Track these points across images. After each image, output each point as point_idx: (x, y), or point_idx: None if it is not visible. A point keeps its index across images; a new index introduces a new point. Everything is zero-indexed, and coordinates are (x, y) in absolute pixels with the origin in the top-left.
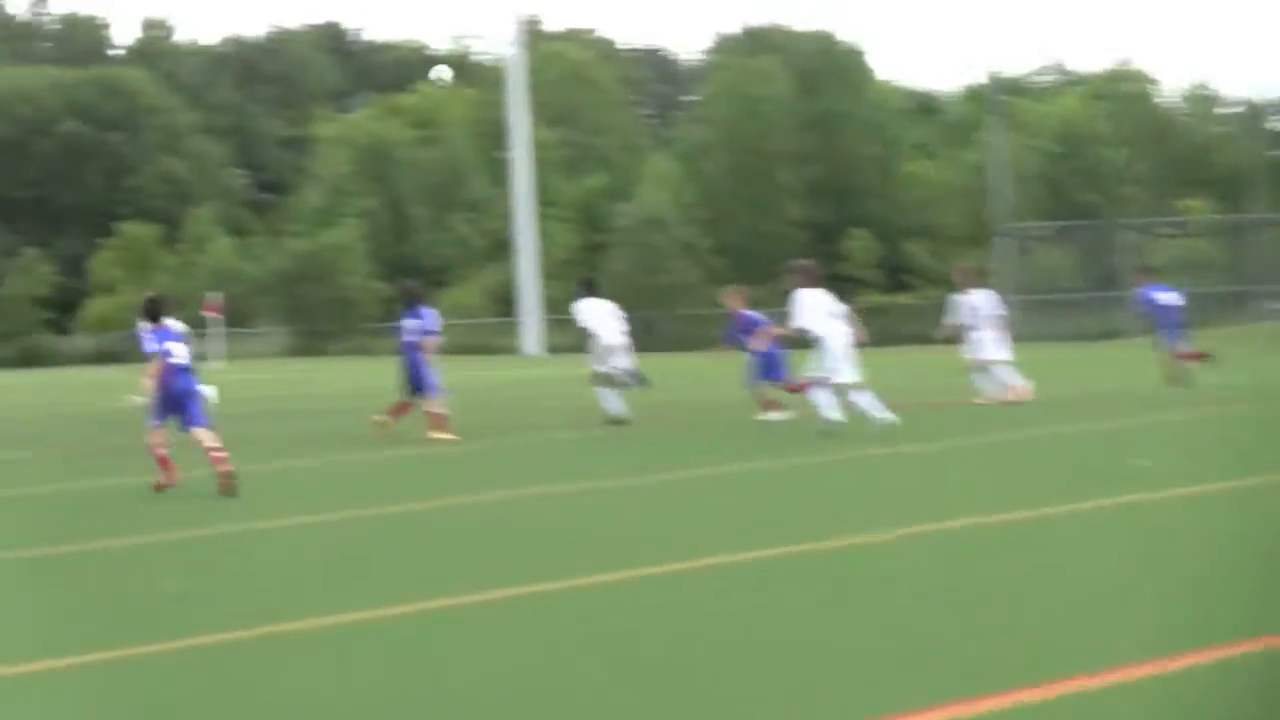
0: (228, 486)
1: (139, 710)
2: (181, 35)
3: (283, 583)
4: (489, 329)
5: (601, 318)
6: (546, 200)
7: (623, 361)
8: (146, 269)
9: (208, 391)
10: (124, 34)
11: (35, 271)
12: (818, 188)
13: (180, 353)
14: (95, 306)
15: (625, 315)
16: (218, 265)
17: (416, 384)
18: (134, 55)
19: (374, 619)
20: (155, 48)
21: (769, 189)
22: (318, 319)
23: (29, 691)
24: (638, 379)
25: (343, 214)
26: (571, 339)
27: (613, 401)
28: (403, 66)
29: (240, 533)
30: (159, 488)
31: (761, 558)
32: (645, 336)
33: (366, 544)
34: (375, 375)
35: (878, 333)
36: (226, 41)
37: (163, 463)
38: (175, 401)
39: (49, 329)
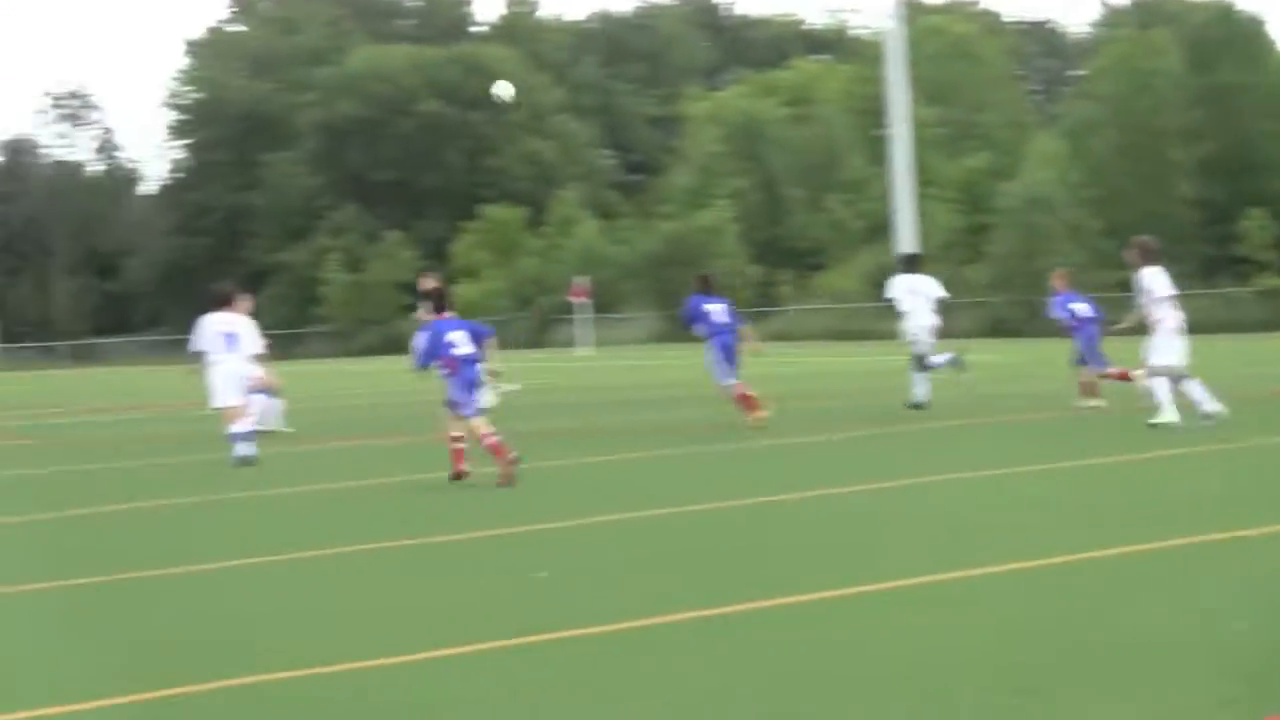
0: (507, 479)
1: (498, 699)
2: (546, 11)
3: (643, 575)
4: (867, 314)
5: (914, 296)
6: (926, 180)
7: (929, 341)
8: (510, 253)
9: (512, 388)
10: (487, 11)
11: (397, 255)
12: (1211, 165)
13: (462, 342)
14: (458, 292)
15: (942, 294)
16: (584, 248)
17: (728, 366)
18: (497, 32)
19: (756, 610)
20: (519, 24)
21: (1160, 167)
22: None
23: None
24: (957, 363)
25: (713, 195)
26: (948, 324)
27: (921, 386)
28: (777, 42)
29: (601, 524)
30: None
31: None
32: (1029, 321)
33: (727, 536)
34: (747, 362)
35: (1276, 316)
36: (593, 17)
37: (458, 457)
38: (459, 392)
39: (411, 314)
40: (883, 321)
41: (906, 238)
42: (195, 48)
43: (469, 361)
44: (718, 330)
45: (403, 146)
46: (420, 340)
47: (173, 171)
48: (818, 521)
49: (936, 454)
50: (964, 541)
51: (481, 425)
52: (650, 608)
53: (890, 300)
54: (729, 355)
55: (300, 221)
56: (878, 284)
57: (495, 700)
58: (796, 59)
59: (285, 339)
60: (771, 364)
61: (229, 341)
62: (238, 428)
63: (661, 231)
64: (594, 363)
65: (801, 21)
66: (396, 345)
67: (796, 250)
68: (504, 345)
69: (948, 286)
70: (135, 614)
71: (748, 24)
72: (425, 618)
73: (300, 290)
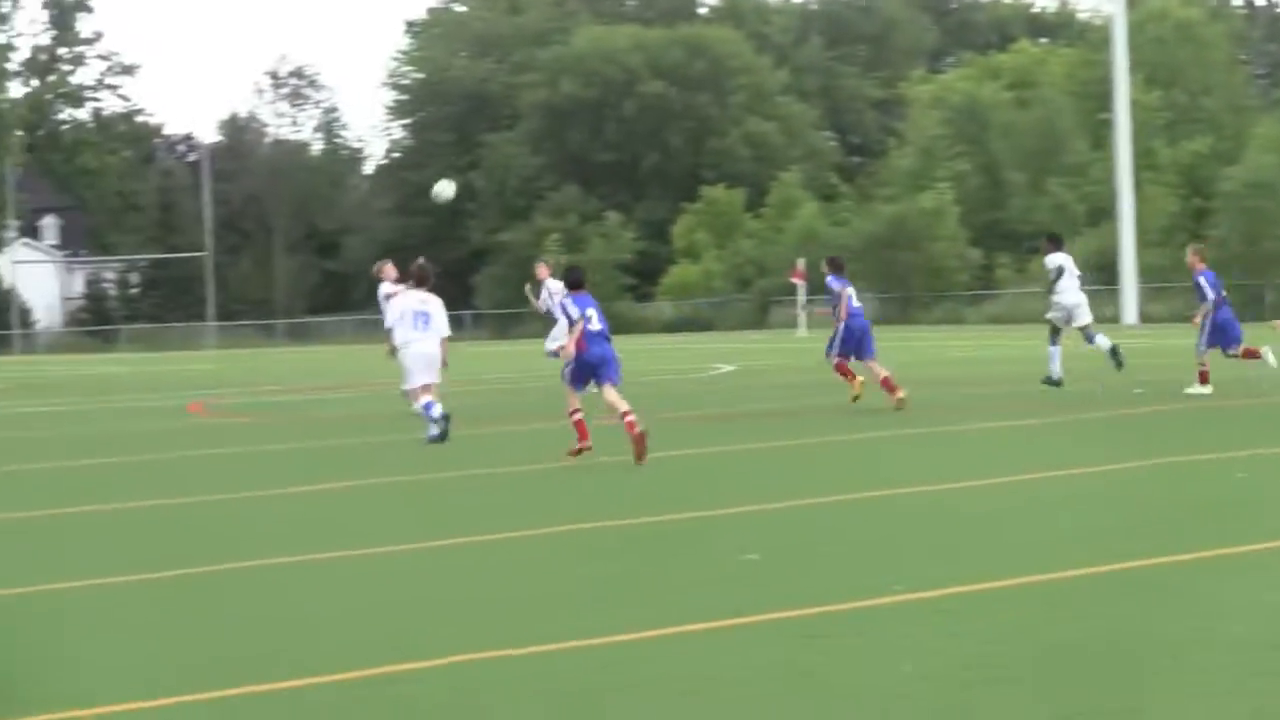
0: (640, 451)
1: (711, 679)
2: None
3: (847, 558)
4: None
5: (1070, 277)
6: (1147, 164)
7: (1084, 318)
8: (730, 234)
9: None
10: None
11: (617, 236)
12: None
13: (595, 319)
14: (677, 273)
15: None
16: (803, 230)
17: (859, 348)
18: (721, 14)
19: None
20: (743, 6)
21: None
22: (908, 286)
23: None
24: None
25: (934, 178)
26: (1166, 309)
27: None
28: (1001, 25)
29: (807, 506)
30: (574, 453)
31: None
32: (1249, 305)
33: (922, 520)
34: (965, 345)
35: None
36: None
37: (580, 426)
38: (591, 367)
39: (629, 295)
40: (1100, 306)
41: (1127, 222)
42: (416, 28)
43: (599, 336)
44: (854, 313)
45: (625, 127)
46: (567, 310)
47: (392, 151)
48: (1005, 508)
49: (1129, 439)
50: (1148, 528)
51: (575, 401)
52: (854, 591)
53: (1055, 271)
54: (866, 338)
55: (520, 202)
56: (1095, 268)
57: (709, 680)
58: (1020, 42)
59: (504, 319)
60: (989, 347)
61: (422, 321)
62: (429, 407)
63: (882, 214)
64: (812, 344)
65: (1028, 5)
66: (615, 326)
67: (1017, 234)
68: (723, 326)
69: (1165, 273)
70: (322, 595)
71: (972, 7)
72: (639, 598)
73: (520, 271)
